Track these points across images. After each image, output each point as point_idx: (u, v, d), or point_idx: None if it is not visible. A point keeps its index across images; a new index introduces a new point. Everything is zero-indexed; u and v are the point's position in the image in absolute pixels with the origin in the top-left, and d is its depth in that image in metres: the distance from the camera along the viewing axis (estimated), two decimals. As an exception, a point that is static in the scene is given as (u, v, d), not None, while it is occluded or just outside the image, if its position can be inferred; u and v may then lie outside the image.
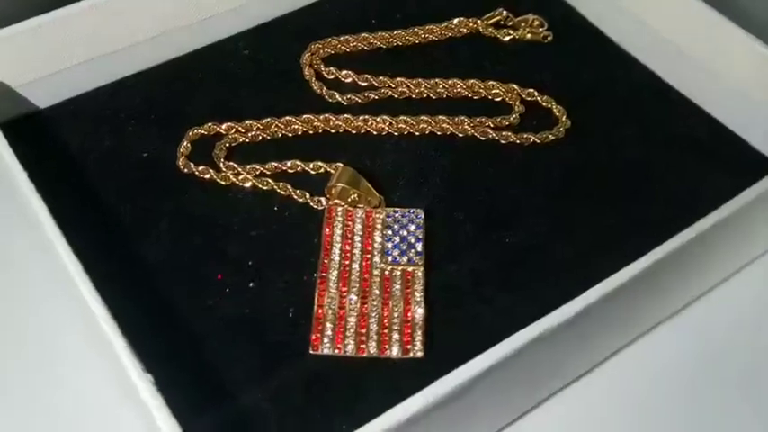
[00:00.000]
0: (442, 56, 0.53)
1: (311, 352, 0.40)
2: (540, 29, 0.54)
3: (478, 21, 0.54)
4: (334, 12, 0.55)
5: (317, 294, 0.42)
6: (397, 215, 0.45)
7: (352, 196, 0.45)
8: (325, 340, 0.40)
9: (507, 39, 0.54)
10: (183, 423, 0.33)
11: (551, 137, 0.49)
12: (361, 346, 0.40)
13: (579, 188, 0.47)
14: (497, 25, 0.55)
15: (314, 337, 0.40)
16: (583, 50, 0.54)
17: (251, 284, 0.42)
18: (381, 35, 0.53)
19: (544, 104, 0.51)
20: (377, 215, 0.45)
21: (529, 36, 0.54)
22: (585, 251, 0.44)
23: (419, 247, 0.44)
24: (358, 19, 0.55)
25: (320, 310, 0.41)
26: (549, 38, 0.54)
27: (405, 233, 0.44)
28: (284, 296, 0.42)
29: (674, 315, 0.47)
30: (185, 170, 0.47)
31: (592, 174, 0.48)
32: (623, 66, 0.53)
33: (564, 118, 0.50)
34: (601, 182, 0.47)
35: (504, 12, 0.55)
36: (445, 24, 0.54)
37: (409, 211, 0.45)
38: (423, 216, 0.45)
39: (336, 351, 0.40)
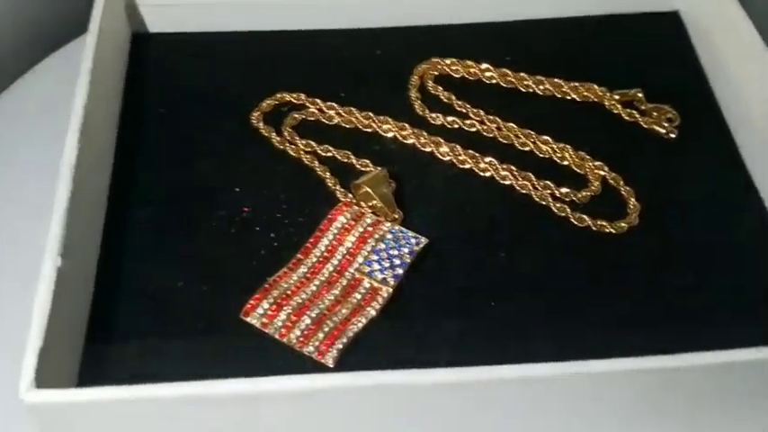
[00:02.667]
0: (551, 112, 0.51)
1: (241, 316, 0.41)
2: (668, 123, 0.50)
3: (608, 93, 0.51)
4: (475, 36, 0.55)
5: (281, 271, 0.43)
6: (399, 234, 0.44)
7: (373, 202, 0.45)
8: (258, 313, 0.41)
9: (628, 119, 0.51)
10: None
11: (624, 225, 0.46)
12: (283, 331, 0.40)
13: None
14: (626, 104, 0.51)
15: (249, 305, 0.41)
16: (699, 153, 0.50)
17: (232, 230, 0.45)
18: (504, 71, 0.52)
19: (623, 194, 0.47)
20: (381, 226, 0.45)
21: (654, 127, 0.50)
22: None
23: (400, 270, 0.43)
24: (493, 51, 0.54)
25: (271, 284, 0.42)
26: (671, 135, 0.50)
27: (395, 253, 0.44)
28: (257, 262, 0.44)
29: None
30: (255, 123, 0.50)
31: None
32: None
33: (634, 215, 0.46)
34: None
35: (641, 95, 0.51)
36: (574, 84, 0.52)
37: (414, 236, 0.44)
38: (423, 245, 0.44)
39: (262, 326, 0.41)
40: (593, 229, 0.46)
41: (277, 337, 0.40)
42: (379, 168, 0.47)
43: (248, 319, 0.41)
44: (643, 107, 0.51)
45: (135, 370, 0.39)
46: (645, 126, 0.51)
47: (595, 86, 0.52)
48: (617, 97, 0.51)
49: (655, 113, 0.51)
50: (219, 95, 0.51)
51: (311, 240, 0.44)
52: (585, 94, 0.52)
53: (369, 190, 0.45)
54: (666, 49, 0.55)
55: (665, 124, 0.50)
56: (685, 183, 0.48)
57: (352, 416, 0.37)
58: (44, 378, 0.34)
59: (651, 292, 0.43)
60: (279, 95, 0.51)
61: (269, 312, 0.41)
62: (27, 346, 0.35)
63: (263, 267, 0.43)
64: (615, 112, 0.51)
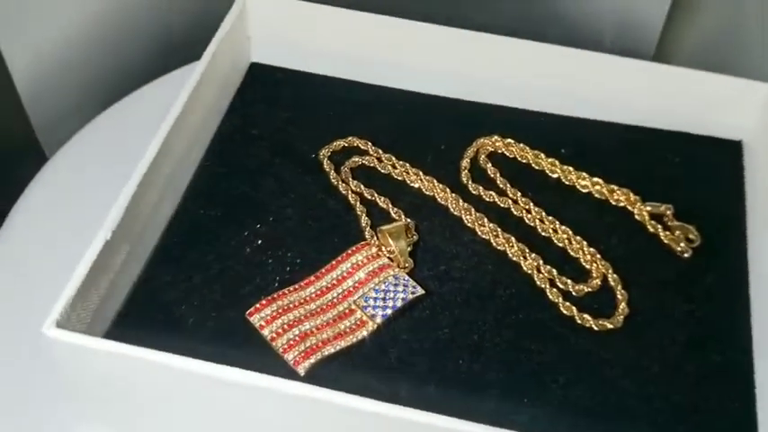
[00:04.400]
0: (582, 206, 0.56)
1: (246, 314, 0.49)
2: (686, 243, 0.53)
3: (641, 203, 0.55)
4: (541, 124, 0.61)
5: (293, 287, 0.50)
6: (401, 279, 0.51)
7: (391, 248, 0.52)
8: (261, 315, 0.49)
9: (651, 230, 0.54)
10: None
11: (607, 325, 0.50)
12: (275, 335, 0.48)
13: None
14: (655, 216, 0.55)
15: (255, 308, 0.49)
16: (707, 278, 0.52)
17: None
18: (552, 161, 0.57)
19: (619, 296, 0.51)
20: (389, 270, 0.51)
21: (672, 243, 0.54)
22: None
23: (389, 311, 0.49)
24: (553, 140, 0.59)
25: (280, 295, 0.49)
26: (686, 254, 0.53)
27: (391, 295, 0.50)
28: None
29: None
30: (321, 158, 0.57)
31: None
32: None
33: (620, 317, 0.50)
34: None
35: (670, 212, 0.55)
36: (612, 187, 0.56)
37: (413, 285, 0.50)
38: (418, 295, 0.50)
39: (260, 327, 0.48)
40: (578, 321, 0.50)
41: (268, 339, 0.48)
42: (408, 221, 0.54)
43: (251, 319, 0.49)
44: (669, 223, 0.55)
45: (145, 338, 0.47)
46: (664, 240, 0.54)
47: (631, 194, 0.56)
48: (648, 209, 0.55)
49: (678, 231, 0.54)
50: (303, 127, 0.59)
51: (327, 267, 0.51)
52: (619, 197, 0.56)
53: (389, 238, 0.52)
54: (717, 174, 0.58)
55: (683, 244, 0.54)
56: (681, 301, 0.51)
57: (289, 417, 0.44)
58: (64, 322, 0.43)
59: (604, 393, 0.47)
60: (350, 139, 0.58)
61: (269, 317, 0.49)
62: (62, 293, 0.44)
63: (283, 280, 0.51)
64: (641, 220, 0.55)
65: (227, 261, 0.52)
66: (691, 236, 0.54)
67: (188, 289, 0.50)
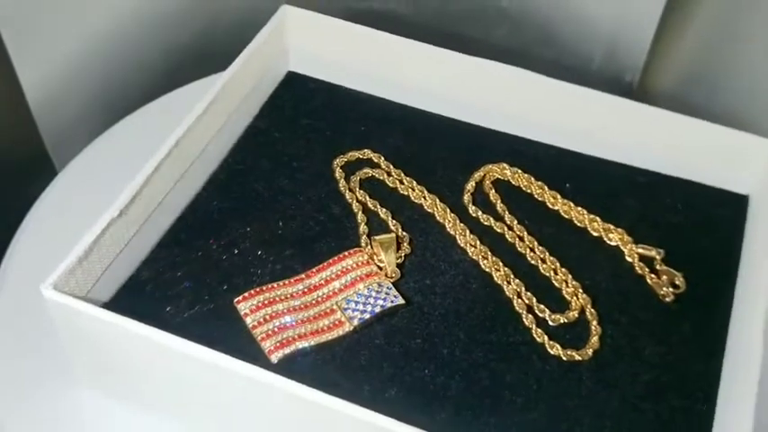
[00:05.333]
0: (576, 241, 0.57)
1: (234, 301, 0.52)
2: (671, 288, 0.55)
3: (632, 244, 0.57)
4: (551, 157, 0.62)
5: (283, 281, 0.53)
6: (385, 288, 0.53)
7: (381, 258, 0.55)
8: (247, 304, 0.52)
9: (639, 271, 0.56)
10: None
11: (575, 356, 0.51)
12: (256, 324, 0.51)
13: None
14: (645, 258, 0.56)
15: (243, 296, 0.52)
16: (684, 326, 0.53)
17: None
18: (554, 194, 0.59)
19: (592, 330, 0.53)
20: (375, 278, 0.54)
21: (655, 287, 0.55)
22: None
23: (367, 316, 0.52)
24: (560, 174, 0.61)
25: (269, 288, 0.53)
26: (667, 299, 0.54)
27: (371, 301, 0.53)
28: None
29: None
30: (334, 167, 0.61)
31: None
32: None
33: (589, 350, 0.52)
34: None
35: (660, 257, 0.56)
36: (608, 225, 0.57)
37: (395, 295, 0.53)
38: (397, 304, 0.53)
39: (244, 315, 0.52)
40: (548, 348, 0.52)
41: (250, 327, 0.51)
42: (403, 234, 0.56)
43: (238, 307, 0.52)
44: (658, 267, 0.56)
45: (139, 311, 0.50)
46: (649, 282, 0.55)
47: (625, 234, 0.57)
48: (640, 250, 0.57)
49: (664, 276, 0.55)
50: (324, 135, 0.63)
51: (318, 268, 0.54)
52: (613, 236, 0.57)
53: (380, 247, 0.55)
54: (717, 226, 0.59)
55: (667, 288, 0.55)
56: (654, 343, 0.52)
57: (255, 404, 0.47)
58: (62, 284, 0.48)
59: (559, 421, 0.49)
60: (365, 151, 0.62)
61: (254, 307, 0.52)
62: (65, 260, 0.49)
63: (275, 274, 0.54)
64: (631, 261, 0.56)
65: (228, 251, 0.55)
66: (677, 281, 0.55)
67: (187, 272, 0.54)
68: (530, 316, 0.53)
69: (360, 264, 0.55)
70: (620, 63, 0.75)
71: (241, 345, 0.51)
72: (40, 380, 0.53)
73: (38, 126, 0.70)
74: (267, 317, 0.51)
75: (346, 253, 0.55)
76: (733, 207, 0.59)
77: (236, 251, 0.55)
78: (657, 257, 0.56)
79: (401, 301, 0.53)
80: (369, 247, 0.56)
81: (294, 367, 0.50)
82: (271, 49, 0.65)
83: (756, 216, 0.59)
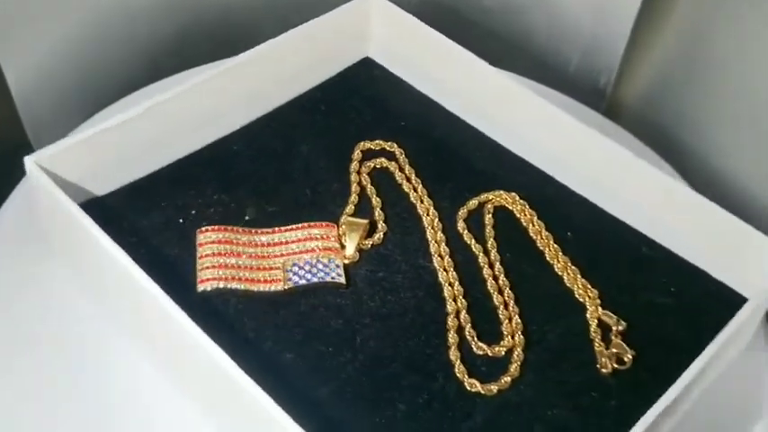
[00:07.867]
0: (546, 282, 0.56)
1: (197, 231, 0.56)
2: (615, 363, 0.51)
3: (598, 307, 0.54)
4: (568, 200, 0.61)
5: (249, 229, 0.56)
6: (333, 264, 0.55)
7: (345, 238, 0.56)
8: (207, 236, 0.55)
9: (592, 334, 0.53)
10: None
11: (478, 388, 0.50)
12: (203, 255, 0.54)
13: None
14: (605, 324, 0.54)
15: (207, 229, 0.56)
16: (613, 401, 0.51)
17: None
18: (548, 236, 0.58)
19: (511, 369, 0.51)
20: (330, 253, 0.55)
21: (599, 355, 0.52)
22: None
23: (302, 282, 0.54)
24: (567, 219, 0.60)
25: (233, 230, 0.56)
26: (604, 369, 0.51)
27: (315, 270, 0.54)
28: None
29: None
30: (352, 153, 0.63)
31: None
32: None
33: (494, 388, 0.50)
34: None
35: (621, 328, 0.53)
36: (583, 281, 0.55)
37: (338, 274, 0.54)
38: (337, 282, 0.54)
39: (199, 244, 0.55)
40: (455, 371, 0.51)
41: (198, 256, 0.55)
42: (381, 225, 0.58)
43: (199, 236, 0.56)
44: (612, 337, 0.53)
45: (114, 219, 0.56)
46: (595, 348, 0.53)
47: (597, 294, 0.55)
48: (602, 315, 0.54)
49: (614, 349, 0.52)
50: (363, 119, 0.65)
51: (287, 228, 0.57)
52: (583, 292, 0.55)
53: (347, 228, 0.57)
54: (702, 319, 0.55)
55: (611, 362, 0.52)
56: (570, 408, 0.50)
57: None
58: (47, 162, 0.54)
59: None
60: (390, 143, 0.63)
61: (211, 241, 0.55)
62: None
63: (249, 222, 0.58)
64: (589, 320, 0.54)
65: (223, 190, 0.59)
66: (625, 358, 0.52)
67: (178, 205, 0.58)
68: (456, 336, 0.52)
69: (325, 236, 0.57)
70: (595, 66, 0.79)
71: (186, 271, 0.54)
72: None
73: (20, 116, 0.71)
74: (217, 252, 0.55)
75: (317, 223, 0.57)
76: (727, 306, 0.55)
77: (229, 197, 0.59)
78: (615, 328, 0.53)
79: (342, 280, 0.54)
80: (343, 227, 0.57)
81: (212, 304, 0.53)
82: (352, 29, 0.68)
83: (742, 323, 0.54)
